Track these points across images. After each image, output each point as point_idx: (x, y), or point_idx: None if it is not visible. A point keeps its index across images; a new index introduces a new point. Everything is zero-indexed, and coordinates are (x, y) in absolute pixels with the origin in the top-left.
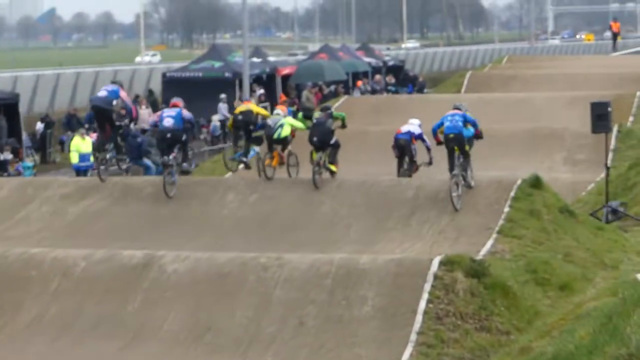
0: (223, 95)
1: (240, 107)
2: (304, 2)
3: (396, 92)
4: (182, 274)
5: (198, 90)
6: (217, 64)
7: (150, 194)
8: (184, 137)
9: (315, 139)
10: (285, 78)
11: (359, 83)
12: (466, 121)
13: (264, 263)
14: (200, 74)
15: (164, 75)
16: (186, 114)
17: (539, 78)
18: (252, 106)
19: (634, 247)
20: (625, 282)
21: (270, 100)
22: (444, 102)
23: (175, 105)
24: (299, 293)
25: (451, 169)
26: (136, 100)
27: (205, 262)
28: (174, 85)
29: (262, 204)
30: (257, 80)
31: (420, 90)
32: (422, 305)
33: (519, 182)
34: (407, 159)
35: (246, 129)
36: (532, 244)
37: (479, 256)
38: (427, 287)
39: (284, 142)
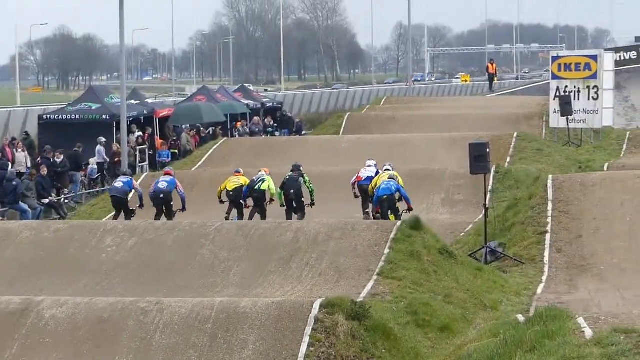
0: (102, 140)
1: (233, 184)
2: (181, 44)
3: (274, 134)
4: (61, 320)
5: (75, 132)
6: (95, 106)
7: (27, 238)
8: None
9: (292, 191)
10: (163, 120)
11: (238, 125)
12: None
13: (143, 308)
14: (78, 116)
15: (40, 117)
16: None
17: (417, 119)
18: (242, 180)
19: (513, 287)
20: (505, 323)
21: (149, 142)
22: (323, 143)
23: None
24: (179, 338)
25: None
26: (12, 143)
27: (85, 307)
28: (51, 128)
29: (142, 248)
30: (134, 122)
31: (299, 132)
32: (304, 348)
33: (398, 223)
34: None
35: (237, 203)
36: (413, 286)
37: (360, 298)
38: (308, 330)
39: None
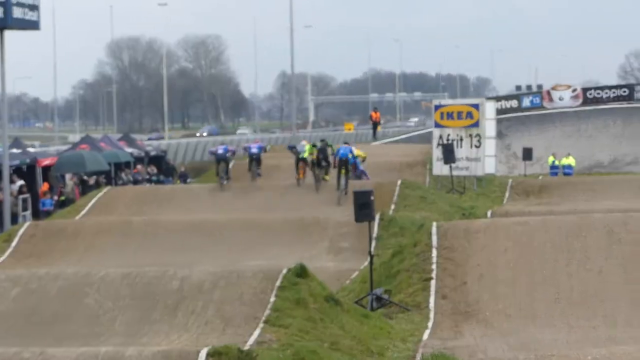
0: None
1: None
2: (63, 93)
3: (159, 182)
4: None
5: None
6: None
7: None
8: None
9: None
10: (46, 169)
11: (122, 173)
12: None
13: (27, 358)
14: None
15: None
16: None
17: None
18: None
19: (399, 334)
20: None
21: (31, 191)
22: (207, 192)
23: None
24: None
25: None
26: None
27: None
28: None
29: (25, 298)
30: (16, 171)
31: (184, 180)
32: None
33: (284, 271)
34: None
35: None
36: (299, 333)
37: (247, 346)
38: None
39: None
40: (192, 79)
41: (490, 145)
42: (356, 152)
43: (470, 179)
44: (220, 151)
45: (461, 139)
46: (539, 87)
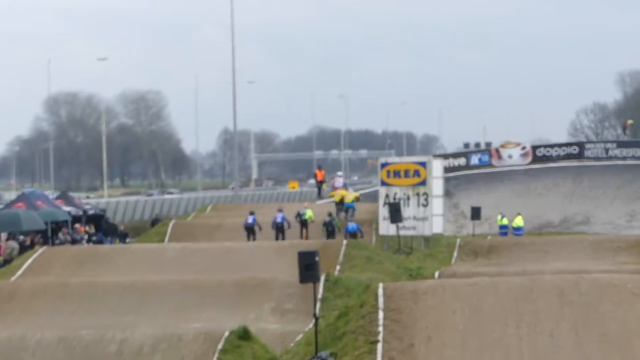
0: None
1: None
2: None
3: (98, 241)
4: None
5: None
6: None
7: None
8: None
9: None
10: None
11: (59, 232)
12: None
13: None
14: None
15: None
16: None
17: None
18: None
19: None
20: None
21: None
22: (147, 252)
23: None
24: None
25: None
26: None
27: None
28: None
29: None
30: None
31: (123, 240)
32: None
33: (226, 334)
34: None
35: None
36: None
37: None
38: None
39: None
40: (131, 135)
41: (437, 204)
42: (351, 196)
43: (418, 238)
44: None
45: (408, 198)
46: (488, 144)
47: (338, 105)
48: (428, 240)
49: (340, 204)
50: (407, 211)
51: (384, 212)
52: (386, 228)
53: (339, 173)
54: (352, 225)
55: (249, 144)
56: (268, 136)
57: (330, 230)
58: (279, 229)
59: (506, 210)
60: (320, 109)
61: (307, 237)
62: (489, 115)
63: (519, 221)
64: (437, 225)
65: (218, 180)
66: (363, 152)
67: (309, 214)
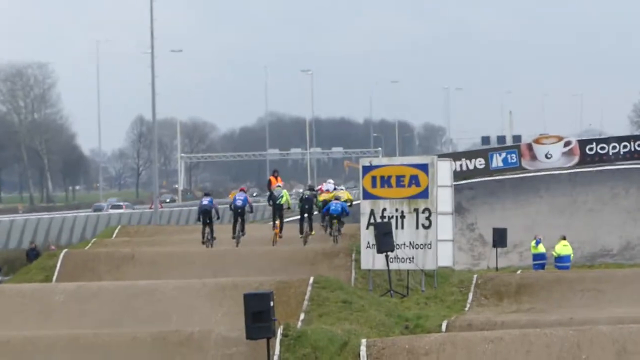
0: None
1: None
2: None
3: None
4: None
5: None
6: None
7: None
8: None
9: (306, 207)
10: None
11: None
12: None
13: None
14: None
15: None
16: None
17: (168, 258)
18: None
19: None
20: None
21: None
22: (27, 296)
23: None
24: None
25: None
26: None
27: None
28: None
29: None
30: None
31: None
32: None
33: None
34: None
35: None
36: None
37: None
38: None
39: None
40: (4, 127)
41: (445, 225)
42: (345, 196)
43: (417, 274)
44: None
45: (402, 216)
46: (516, 139)
47: (301, 85)
48: (431, 276)
49: (327, 211)
50: (401, 235)
51: (367, 236)
52: (371, 259)
53: (330, 180)
54: (335, 205)
55: (174, 140)
56: (201, 128)
57: (307, 208)
58: (239, 214)
59: (543, 233)
60: (276, 89)
61: (280, 230)
62: (516, 98)
63: (562, 248)
64: (444, 256)
65: (129, 192)
66: (337, 151)
67: (285, 197)
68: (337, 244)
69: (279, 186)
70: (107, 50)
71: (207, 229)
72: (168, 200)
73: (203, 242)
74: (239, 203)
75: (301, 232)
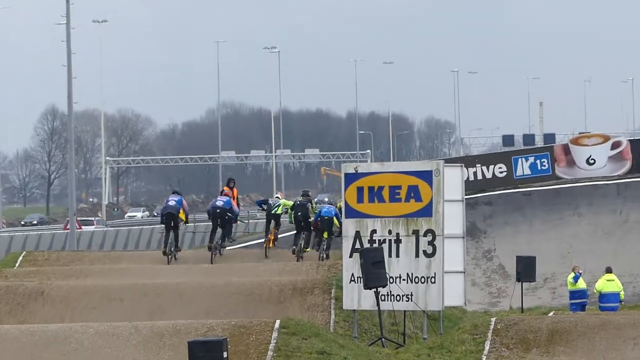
0: None
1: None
2: None
3: None
4: None
5: None
6: None
7: None
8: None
9: (299, 214)
10: None
11: None
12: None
13: None
14: None
15: None
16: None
17: (87, 293)
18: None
19: None
20: None
21: None
22: None
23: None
24: None
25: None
26: None
27: None
28: None
29: None
30: None
31: None
32: None
33: None
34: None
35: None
36: None
37: None
38: None
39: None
40: None
41: (454, 253)
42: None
43: (417, 317)
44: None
45: (398, 240)
46: (549, 138)
47: (265, 67)
48: (436, 319)
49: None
50: (397, 265)
51: (351, 266)
52: (356, 297)
53: (278, 195)
54: (326, 208)
55: (97, 139)
56: (133, 123)
57: (300, 216)
58: (219, 218)
59: (584, 263)
60: (232, 73)
61: (274, 240)
62: (548, 86)
63: (605, 284)
64: (453, 292)
65: (38, 207)
66: (312, 154)
67: (285, 203)
68: (323, 262)
69: (277, 197)
70: (6, 20)
71: (171, 237)
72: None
73: (164, 254)
74: (219, 203)
75: (295, 245)
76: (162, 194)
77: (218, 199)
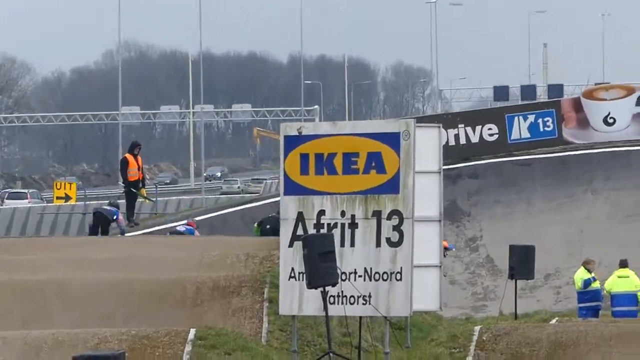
0: None
1: None
2: None
3: None
4: None
5: None
6: None
7: None
8: None
9: (268, 226)
10: None
11: None
12: None
13: None
14: None
15: None
16: None
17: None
18: None
19: None
20: None
21: None
22: None
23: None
24: None
25: None
26: None
27: None
28: None
29: None
30: None
31: None
32: None
33: None
34: None
35: None
36: None
37: None
38: None
39: None
40: None
41: (428, 241)
42: None
43: (377, 325)
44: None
45: (353, 224)
46: (554, 90)
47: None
48: (402, 329)
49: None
50: (351, 257)
51: (290, 259)
52: (296, 299)
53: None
54: None
55: None
56: (6, 71)
57: (271, 232)
58: (102, 221)
59: (599, 256)
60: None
61: None
62: (553, 18)
63: (616, 282)
64: (425, 293)
65: None
66: (242, 110)
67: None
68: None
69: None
70: None
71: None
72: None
73: None
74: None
75: None
76: (44, 163)
77: (107, 208)
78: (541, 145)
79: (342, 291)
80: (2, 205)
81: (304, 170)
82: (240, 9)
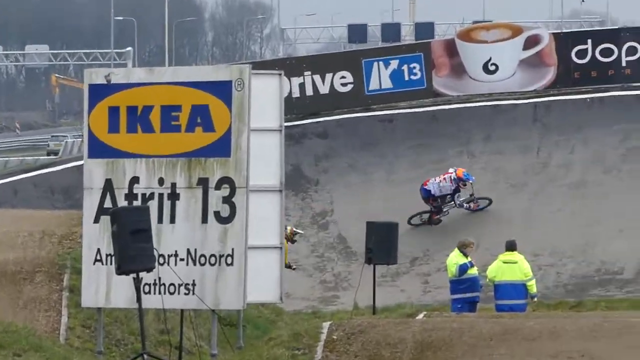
0: None
1: None
2: None
3: None
4: None
5: None
6: None
7: None
8: None
9: None
10: None
11: None
12: None
13: None
14: None
15: None
16: None
17: None
18: None
19: None
20: None
21: None
22: None
23: None
24: None
25: None
26: None
27: None
28: None
29: None
30: None
31: None
32: None
33: None
34: None
35: None
36: None
37: None
38: None
39: None
40: None
41: (267, 216)
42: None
43: (203, 320)
44: None
45: (175, 194)
46: (423, 29)
47: None
48: (233, 325)
49: None
50: (171, 236)
51: (95, 238)
52: (103, 288)
53: None
54: None
55: None
56: None
57: None
58: None
59: (478, 235)
60: None
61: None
62: None
63: (504, 268)
64: (262, 281)
65: None
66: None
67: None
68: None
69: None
70: None
71: None
72: None
73: None
74: None
75: None
76: None
77: None
78: (406, 97)
79: (159, 278)
80: None
81: (113, 128)
82: None
